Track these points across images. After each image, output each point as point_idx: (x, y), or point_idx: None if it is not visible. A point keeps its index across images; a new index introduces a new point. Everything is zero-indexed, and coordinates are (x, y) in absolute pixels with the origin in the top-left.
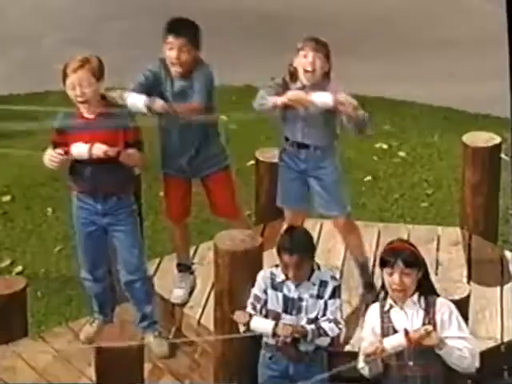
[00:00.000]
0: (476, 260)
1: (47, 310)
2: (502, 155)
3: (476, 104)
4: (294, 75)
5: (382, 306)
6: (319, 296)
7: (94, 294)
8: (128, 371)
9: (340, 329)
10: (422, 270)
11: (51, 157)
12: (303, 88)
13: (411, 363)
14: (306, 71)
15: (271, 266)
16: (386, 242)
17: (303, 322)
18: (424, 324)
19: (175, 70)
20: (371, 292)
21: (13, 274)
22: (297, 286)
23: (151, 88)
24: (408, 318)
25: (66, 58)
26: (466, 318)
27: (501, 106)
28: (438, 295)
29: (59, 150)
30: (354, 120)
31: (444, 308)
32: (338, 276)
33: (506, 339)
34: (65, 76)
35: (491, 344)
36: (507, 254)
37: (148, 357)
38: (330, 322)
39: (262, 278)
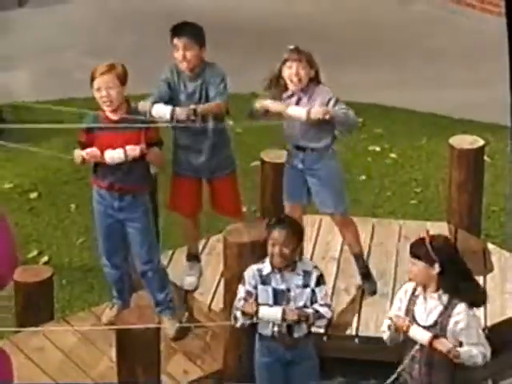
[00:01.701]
0: (461, 252)
1: (71, 297)
2: (485, 158)
3: (461, 110)
4: (279, 82)
5: (415, 290)
6: (305, 285)
7: (112, 280)
8: (145, 351)
9: (332, 311)
10: (434, 265)
11: (91, 153)
12: (292, 95)
13: (417, 365)
14: (291, 81)
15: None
16: (380, 235)
17: None
18: (436, 321)
19: (184, 67)
20: (369, 281)
21: (40, 263)
22: (283, 278)
23: (168, 95)
24: (426, 309)
25: (85, 68)
26: None
27: (484, 111)
28: (461, 298)
29: (95, 149)
30: (340, 124)
31: (460, 316)
32: (319, 266)
33: (489, 323)
34: (92, 79)
35: None
36: (490, 246)
37: (164, 339)
38: (323, 306)
39: (250, 276)
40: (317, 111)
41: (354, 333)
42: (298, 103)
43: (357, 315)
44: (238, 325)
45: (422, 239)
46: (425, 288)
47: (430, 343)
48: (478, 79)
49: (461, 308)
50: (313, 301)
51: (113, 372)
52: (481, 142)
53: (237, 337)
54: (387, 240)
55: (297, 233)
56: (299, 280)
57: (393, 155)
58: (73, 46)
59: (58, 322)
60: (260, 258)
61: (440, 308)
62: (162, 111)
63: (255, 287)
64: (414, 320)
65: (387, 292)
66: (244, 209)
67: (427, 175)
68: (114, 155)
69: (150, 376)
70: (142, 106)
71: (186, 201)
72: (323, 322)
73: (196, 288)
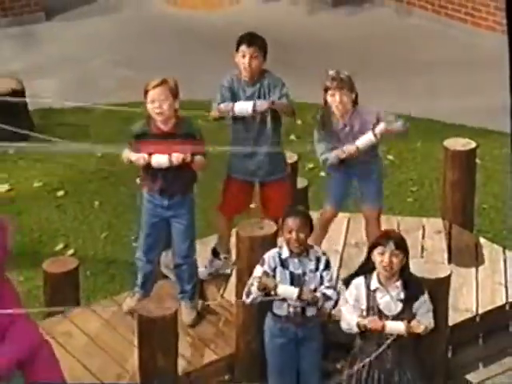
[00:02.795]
0: (455, 246)
1: (95, 287)
2: (477, 160)
3: (453, 116)
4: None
5: (368, 285)
6: (316, 269)
7: (143, 272)
8: (164, 337)
9: (338, 293)
10: (406, 256)
11: (138, 158)
12: (344, 127)
13: (388, 365)
14: (336, 108)
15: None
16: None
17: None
18: (404, 308)
19: (245, 74)
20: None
21: (66, 256)
22: (300, 262)
23: (230, 99)
24: (392, 300)
25: (108, 77)
26: (447, 294)
27: (474, 117)
28: (418, 282)
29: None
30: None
31: (424, 297)
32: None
33: (480, 311)
34: (146, 92)
35: (468, 315)
36: (481, 240)
37: (181, 326)
38: (330, 288)
39: (270, 257)
40: (380, 128)
41: None
42: (351, 131)
43: None
44: (249, 300)
45: (394, 231)
46: (386, 280)
47: (407, 327)
48: (469, 88)
49: (423, 290)
50: (321, 284)
51: (134, 354)
52: (473, 144)
53: (247, 323)
54: None
55: (308, 221)
56: (312, 265)
57: (390, 157)
58: (96, 57)
59: (85, 309)
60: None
61: (402, 295)
62: (244, 107)
63: (274, 269)
64: (379, 312)
65: None
66: (253, 205)
67: (422, 175)
68: (159, 160)
69: (168, 359)
70: (225, 106)
71: (235, 203)
72: (330, 304)
73: (204, 279)
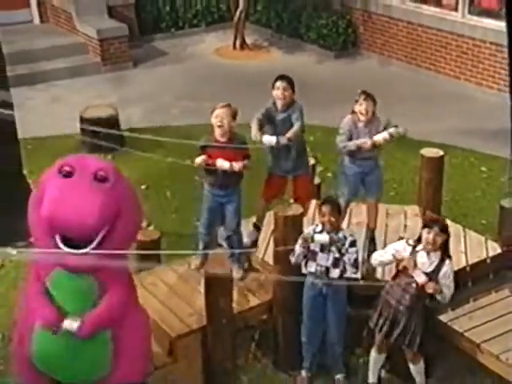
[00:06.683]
0: None
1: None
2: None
3: (421, 135)
4: (356, 117)
5: (415, 246)
6: (342, 245)
7: (204, 242)
8: (223, 286)
9: (356, 267)
10: (448, 236)
11: (202, 161)
12: (365, 128)
13: (407, 296)
14: (361, 113)
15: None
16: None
17: (330, 259)
18: (434, 270)
19: (280, 103)
20: (372, 245)
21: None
22: (328, 235)
23: (266, 119)
24: (427, 261)
25: (176, 107)
26: None
27: (436, 136)
28: (450, 257)
29: (206, 159)
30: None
31: (446, 267)
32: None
33: None
34: (213, 111)
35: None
36: (448, 221)
37: (234, 279)
38: (350, 261)
39: (308, 230)
40: (378, 138)
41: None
42: (370, 131)
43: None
44: (294, 259)
45: (438, 218)
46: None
47: (422, 284)
48: (432, 115)
49: (448, 262)
50: (342, 253)
51: (201, 299)
52: (441, 153)
53: (281, 279)
54: (379, 217)
55: (337, 208)
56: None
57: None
58: (167, 93)
59: (164, 267)
60: (298, 226)
61: (435, 262)
62: (270, 140)
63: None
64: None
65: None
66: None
67: (401, 176)
68: (223, 164)
69: (225, 302)
70: (254, 136)
71: (273, 192)
72: (353, 270)
73: (249, 246)
